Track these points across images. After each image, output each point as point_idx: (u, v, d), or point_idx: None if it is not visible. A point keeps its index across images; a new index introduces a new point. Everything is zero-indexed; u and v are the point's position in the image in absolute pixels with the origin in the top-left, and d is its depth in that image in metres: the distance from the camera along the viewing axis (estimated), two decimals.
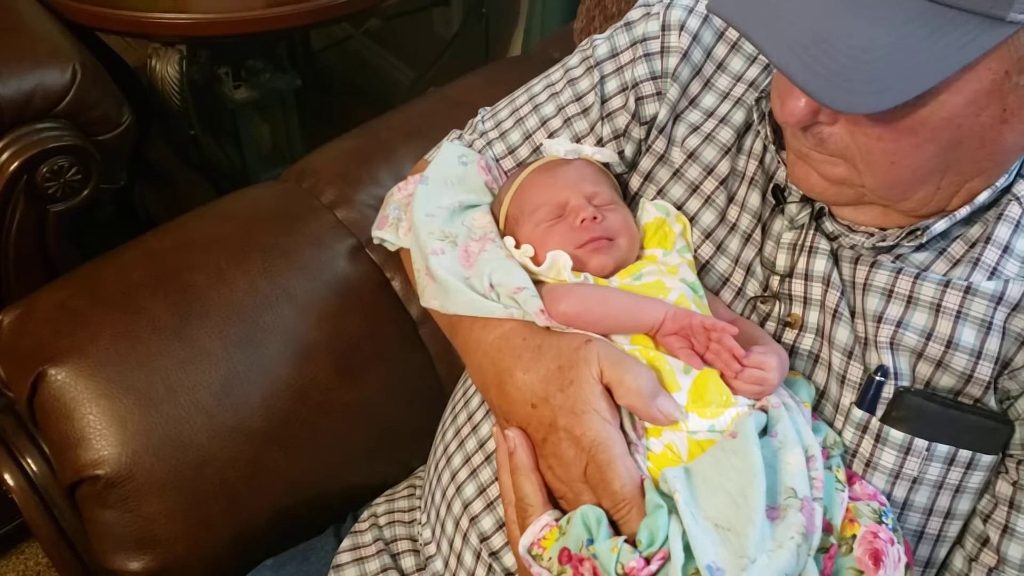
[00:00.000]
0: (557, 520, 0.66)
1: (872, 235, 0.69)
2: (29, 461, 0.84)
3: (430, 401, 0.94)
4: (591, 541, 0.62)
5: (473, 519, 0.79)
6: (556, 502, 0.68)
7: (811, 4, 0.58)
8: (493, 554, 0.77)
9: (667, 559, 0.60)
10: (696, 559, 0.59)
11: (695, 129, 0.80)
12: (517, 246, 0.75)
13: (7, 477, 0.83)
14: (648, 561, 0.60)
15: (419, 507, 0.90)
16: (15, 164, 1.12)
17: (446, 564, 0.82)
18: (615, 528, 0.63)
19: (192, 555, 0.83)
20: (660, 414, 0.65)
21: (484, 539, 0.78)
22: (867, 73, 0.56)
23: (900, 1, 0.56)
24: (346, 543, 0.89)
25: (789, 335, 0.74)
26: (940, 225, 0.67)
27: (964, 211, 0.67)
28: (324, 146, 1.06)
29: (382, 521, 0.90)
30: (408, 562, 0.86)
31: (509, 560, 0.77)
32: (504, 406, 0.70)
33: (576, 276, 0.72)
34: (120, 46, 1.57)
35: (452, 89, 1.12)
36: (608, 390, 0.66)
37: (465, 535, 0.80)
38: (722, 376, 0.67)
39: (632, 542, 0.61)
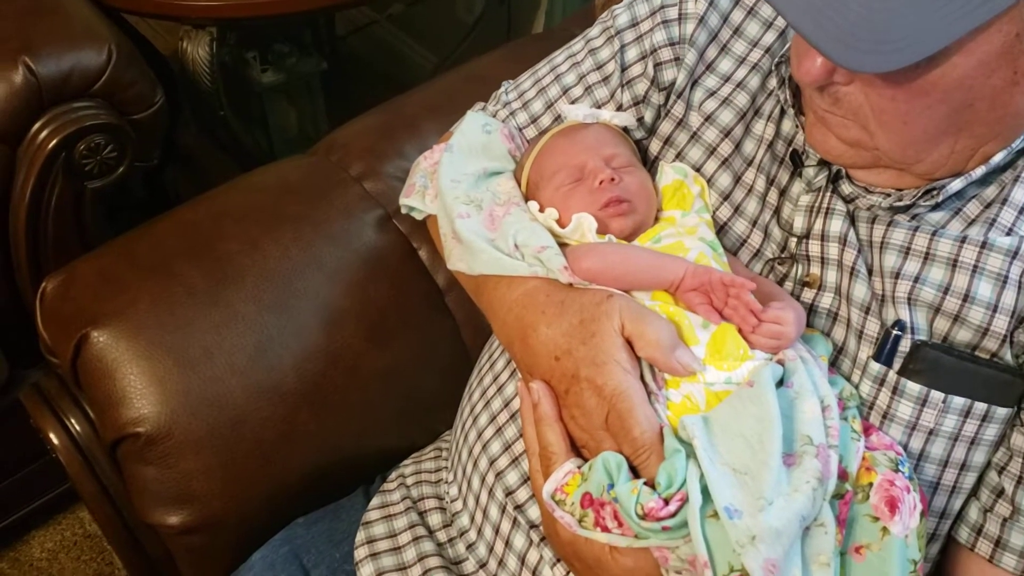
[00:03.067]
0: (579, 467, 0.68)
1: (888, 195, 0.71)
2: (72, 421, 0.88)
3: (456, 367, 0.97)
4: (612, 486, 0.65)
5: (499, 474, 0.82)
6: (578, 451, 0.70)
7: None
8: (518, 507, 0.80)
9: (685, 500, 0.62)
10: (714, 501, 0.61)
11: (712, 94, 0.82)
12: (541, 210, 0.78)
13: (52, 436, 0.87)
14: (667, 502, 0.62)
15: (445, 467, 0.93)
16: (54, 141, 1.15)
17: (472, 519, 0.85)
18: (635, 474, 0.66)
19: (228, 511, 0.86)
20: (679, 366, 0.67)
21: (509, 493, 0.81)
22: (880, 33, 0.58)
23: None
24: (375, 502, 0.91)
25: (808, 294, 0.76)
26: (956, 184, 0.68)
27: (979, 171, 0.68)
28: (350, 121, 1.09)
29: (409, 481, 0.93)
30: (435, 519, 0.89)
31: (533, 513, 0.79)
32: (528, 360, 0.72)
33: (600, 238, 0.74)
34: (148, 34, 1.60)
35: (473, 66, 1.14)
36: (629, 343, 0.68)
37: (491, 490, 0.82)
38: (739, 331, 0.69)
39: (651, 485, 0.64)
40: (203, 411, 0.84)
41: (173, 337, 0.85)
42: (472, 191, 0.80)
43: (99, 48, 1.18)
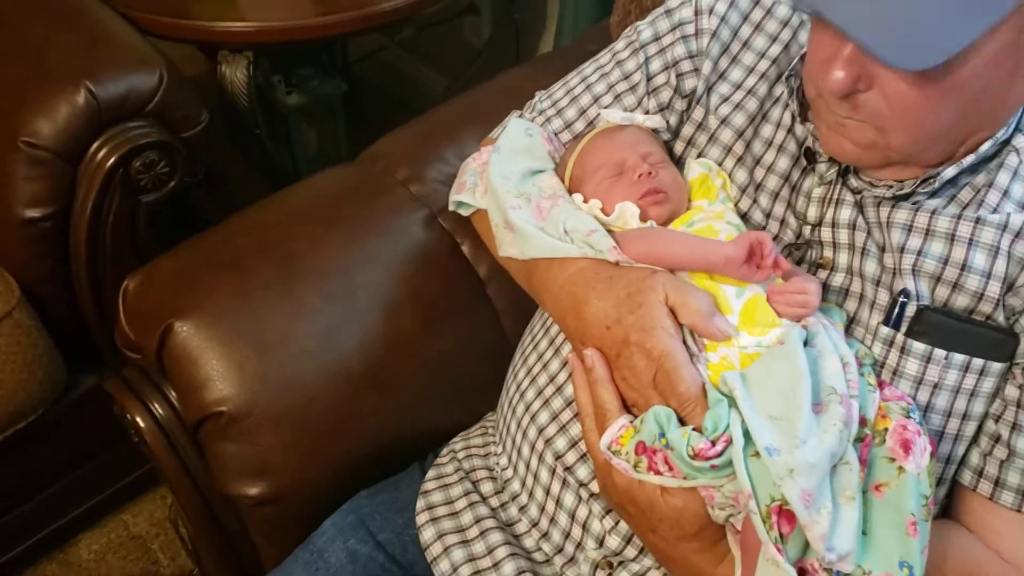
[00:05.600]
0: (631, 422, 0.77)
1: (891, 186, 0.81)
2: (156, 406, 0.96)
3: (497, 352, 1.06)
4: (662, 435, 0.74)
5: (548, 441, 0.91)
6: (628, 409, 0.79)
7: None
8: (567, 468, 0.89)
9: (729, 442, 0.71)
10: (755, 442, 0.71)
11: (726, 99, 0.92)
12: (585, 201, 0.87)
13: (138, 419, 0.95)
14: (713, 444, 0.71)
15: (492, 442, 1.02)
16: (113, 158, 1.24)
17: (523, 483, 0.94)
18: (682, 424, 0.75)
19: (300, 483, 0.95)
20: (717, 331, 0.77)
21: (559, 457, 0.90)
22: (915, 35, 0.66)
23: None
24: (431, 474, 1.00)
25: (822, 274, 0.85)
26: (949, 171, 0.78)
27: (970, 159, 0.78)
28: (389, 134, 1.18)
29: (460, 455, 1.02)
30: (486, 487, 0.97)
31: (582, 473, 0.88)
32: (581, 330, 0.81)
33: (641, 223, 0.84)
34: (180, 60, 1.70)
35: (501, 80, 1.24)
36: (672, 312, 0.78)
37: (541, 455, 0.91)
38: (768, 300, 0.79)
39: (698, 431, 0.73)
40: (278, 391, 0.93)
41: (249, 325, 0.94)
42: (520, 186, 0.90)
43: (152, 72, 1.28)
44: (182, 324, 0.93)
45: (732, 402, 0.73)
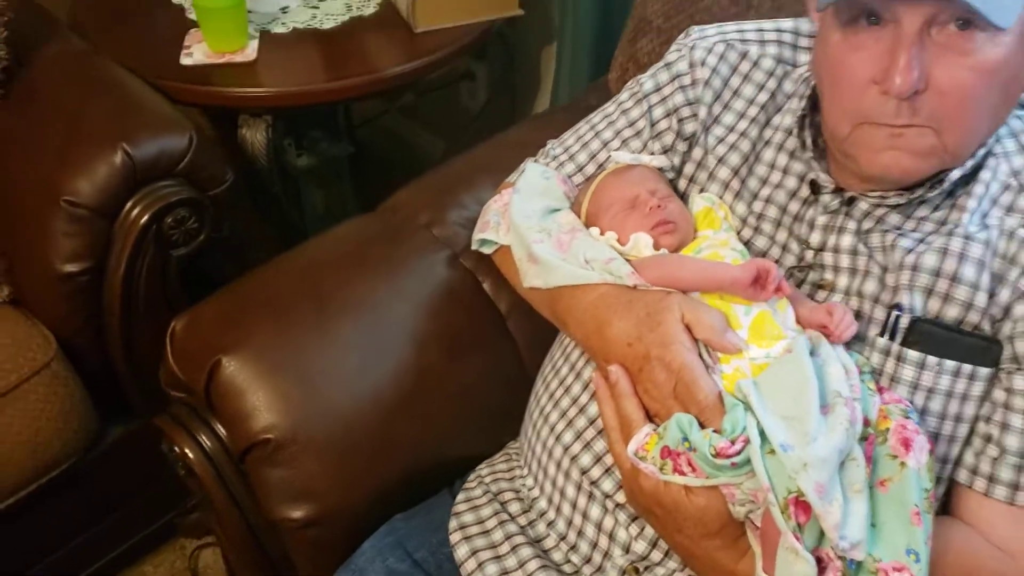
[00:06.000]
0: (655, 430, 0.85)
1: (901, 195, 0.87)
2: (203, 438, 1.03)
3: (518, 383, 1.13)
4: (685, 439, 0.81)
5: (573, 458, 0.97)
6: (651, 420, 0.86)
7: None
8: (593, 483, 0.95)
9: (747, 442, 0.78)
10: (770, 440, 0.78)
11: (721, 140, 1.01)
12: (601, 233, 0.96)
13: (188, 452, 1.01)
14: (732, 443, 0.78)
15: (517, 466, 1.08)
16: (147, 215, 1.32)
17: (550, 500, 1.00)
18: (702, 428, 0.82)
19: (341, 506, 1.01)
20: (729, 344, 0.84)
21: (584, 472, 0.96)
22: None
23: None
24: (460, 497, 1.07)
25: (821, 294, 0.93)
26: (955, 174, 0.85)
27: (970, 163, 0.86)
28: (407, 185, 1.27)
29: (487, 480, 1.08)
30: (514, 507, 1.04)
31: (607, 486, 0.95)
32: (604, 349, 0.89)
33: (655, 251, 0.92)
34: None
35: (511, 134, 1.34)
36: (687, 329, 0.85)
37: (567, 472, 0.98)
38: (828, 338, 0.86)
39: (718, 433, 0.80)
40: (319, 420, 1.00)
41: (291, 360, 1.01)
42: (541, 223, 0.98)
43: (182, 135, 1.36)
44: (229, 360, 1.00)
45: (747, 406, 0.80)
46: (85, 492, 1.48)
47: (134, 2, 1.73)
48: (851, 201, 0.91)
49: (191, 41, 1.58)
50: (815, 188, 0.94)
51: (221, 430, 1.03)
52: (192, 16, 1.63)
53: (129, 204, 1.33)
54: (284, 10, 1.65)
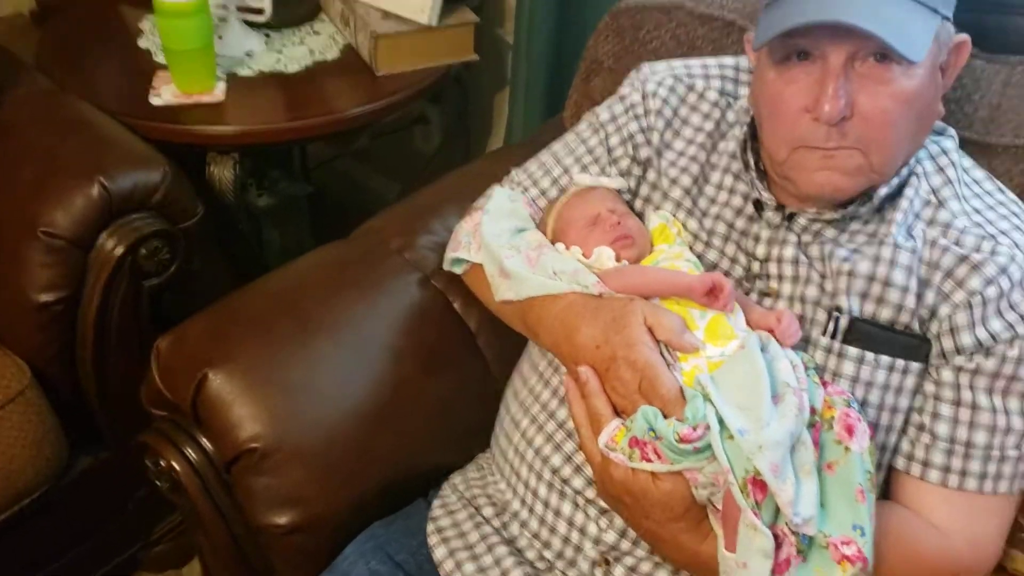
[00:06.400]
0: (623, 423, 0.92)
1: (835, 210, 0.97)
2: (189, 451, 1.07)
3: (488, 397, 1.20)
4: (651, 429, 0.88)
5: (545, 459, 1.04)
6: (619, 415, 0.94)
7: (842, 5, 0.85)
8: (564, 481, 1.02)
9: (707, 429, 0.86)
10: (728, 426, 0.85)
11: (672, 164, 1.10)
12: (567, 248, 1.04)
13: (174, 464, 1.05)
14: (694, 429, 0.86)
15: (489, 472, 1.14)
16: (122, 246, 1.36)
17: (523, 501, 1.06)
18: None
19: (324, 514, 1.06)
20: (688, 344, 0.92)
21: (555, 472, 1.03)
22: (907, 33, 0.85)
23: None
24: (436, 503, 1.12)
25: (767, 302, 1.02)
26: (883, 190, 0.95)
27: (895, 180, 0.96)
28: (379, 213, 1.34)
29: (460, 487, 1.14)
30: (488, 511, 1.10)
31: (577, 483, 1.01)
32: (574, 353, 0.96)
33: (617, 263, 1.01)
34: None
35: (474, 166, 1.43)
36: (650, 331, 0.93)
37: (539, 473, 1.04)
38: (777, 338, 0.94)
39: (681, 421, 0.88)
40: (304, 430, 1.05)
41: (275, 373, 1.06)
42: (510, 241, 1.06)
43: (156, 168, 1.41)
44: (216, 374, 1.05)
45: (706, 398, 0.88)
46: (53, 522, 1.49)
47: (99, 46, 1.78)
48: (791, 217, 1.01)
49: (159, 83, 1.63)
50: (758, 206, 1.03)
51: (206, 443, 1.08)
52: (159, 59, 1.69)
53: (104, 235, 1.37)
54: (249, 54, 1.72)
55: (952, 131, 1.04)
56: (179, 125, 1.58)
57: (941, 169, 1.00)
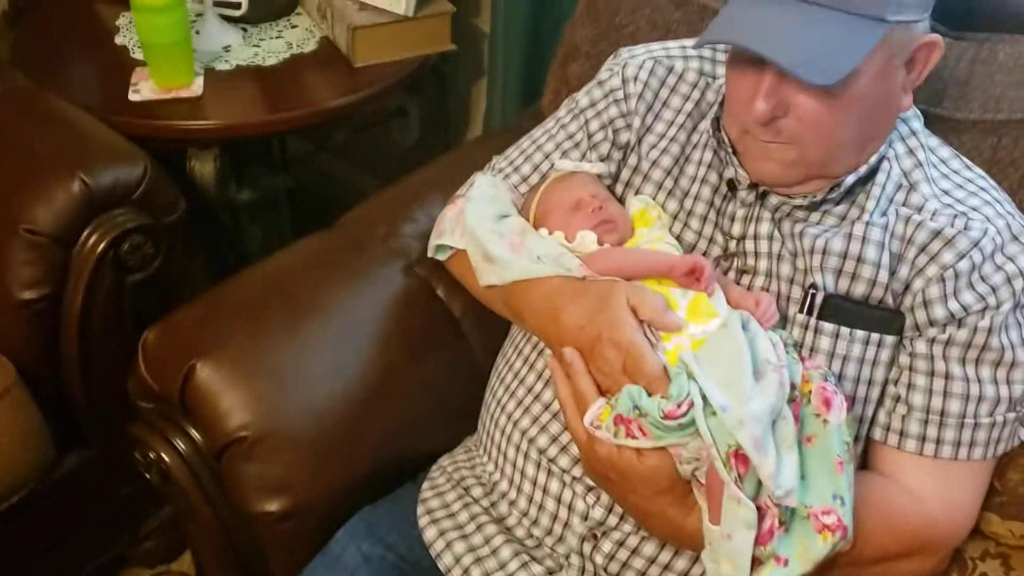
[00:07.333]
0: (607, 402, 0.94)
1: (805, 196, 0.99)
2: (178, 442, 1.08)
3: (473, 381, 1.21)
4: (635, 407, 0.90)
5: (531, 440, 1.06)
6: (603, 395, 0.95)
7: (771, 22, 0.88)
8: (551, 460, 1.04)
9: (692, 405, 0.88)
10: (711, 401, 0.87)
11: (653, 147, 1.12)
12: (550, 233, 1.06)
13: (164, 455, 1.06)
14: (679, 406, 0.88)
15: (476, 455, 1.16)
16: (104, 242, 1.36)
17: (511, 481, 1.08)
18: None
19: (314, 499, 1.07)
20: (670, 323, 0.94)
21: (542, 451, 1.05)
22: (819, 59, 0.87)
23: (822, 13, 0.87)
24: (425, 485, 1.14)
25: (746, 279, 1.04)
26: (850, 179, 0.98)
27: (863, 169, 0.98)
28: (363, 202, 1.35)
29: (449, 469, 1.16)
30: (476, 491, 1.11)
31: (564, 462, 1.03)
32: (558, 335, 0.98)
33: (599, 246, 1.03)
34: None
35: (455, 154, 1.44)
36: (633, 311, 0.95)
37: (526, 453, 1.06)
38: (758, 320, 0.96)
39: (665, 399, 0.90)
40: (294, 415, 1.06)
41: (265, 360, 1.08)
42: (493, 227, 1.08)
43: (137, 164, 1.41)
44: (204, 363, 1.06)
45: (689, 375, 0.90)
46: (40, 520, 1.49)
47: (76, 44, 1.78)
48: (764, 195, 1.03)
49: (138, 78, 1.63)
50: (731, 186, 1.05)
51: (195, 434, 1.09)
52: (137, 55, 1.69)
53: (87, 231, 1.37)
54: (227, 49, 1.73)
55: (916, 111, 1.06)
56: (158, 120, 1.58)
57: (911, 151, 1.02)
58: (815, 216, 1.01)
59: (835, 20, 0.87)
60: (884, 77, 0.92)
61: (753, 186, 1.03)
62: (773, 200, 1.02)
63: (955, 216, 0.97)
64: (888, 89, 0.94)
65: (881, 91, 0.93)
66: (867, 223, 0.98)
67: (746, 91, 0.93)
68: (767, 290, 1.03)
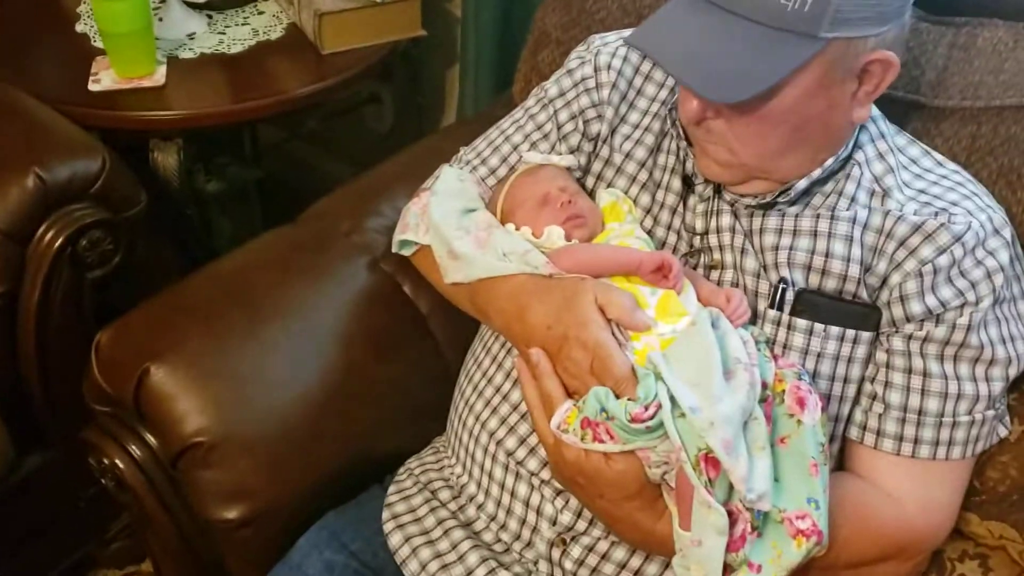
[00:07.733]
0: (575, 404, 0.91)
1: (755, 197, 0.97)
2: (133, 448, 1.04)
3: (441, 380, 1.18)
4: (602, 410, 0.87)
5: (499, 442, 1.03)
6: (571, 397, 0.92)
7: (692, 32, 0.87)
8: (519, 463, 1.01)
9: (659, 407, 0.85)
10: (680, 403, 0.84)
11: (627, 138, 1.09)
12: (517, 228, 1.02)
13: (118, 461, 1.03)
14: (646, 409, 0.85)
15: (444, 457, 1.13)
16: (61, 238, 1.32)
17: (479, 484, 1.05)
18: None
19: (275, 505, 1.04)
20: (639, 322, 0.91)
21: (510, 454, 1.02)
22: (730, 76, 0.85)
23: (747, 27, 0.84)
24: (392, 489, 1.11)
25: (714, 274, 1.01)
26: (802, 183, 0.95)
27: (817, 173, 0.95)
28: (329, 194, 1.31)
29: (416, 472, 1.12)
30: (444, 495, 1.08)
31: (532, 464, 1.00)
32: (525, 334, 0.95)
33: (567, 242, 0.99)
34: None
35: (426, 143, 1.40)
36: (601, 310, 0.92)
37: (494, 455, 1.03)
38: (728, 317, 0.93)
39: (633, 401, 0.86)
40: (252, 419, 1.03)
41: (222, 363, 1.04)
42: (459, 222, 1.04)
43: (95, 157, 1.37)
44: (158, 367, 1.02)
45: (657, 376, 0.87)
46: (2, 523, 1.46)
47: (34, 32, 1.73)
48: (719, 189, 1.00)
49: (98, 68, 1.58)
50: (687, 180, 1.02)
51: (150, 439, 1.05)
52: (97, 43, 1.64)
53: (43, 228, 1.33)
54: (191, 36, 1.68)
55: (881, 113, 1.02)
56: (119, 111, 1.54)
57: (881, 155, 0.99)
58: (773, 215, 0.98)
59: (760, 35, 0.84)
60: (821, 92, 0.88)
61: (707, 181, 1.00)
62: (728, 196, 0.99)
63: (936, 212, 0.94)
64: (828, 103, 0.90)
65: (817, 105, 0.90)
66: (832, 218, 0.95)
67: (683, 89, 0.92)
68: (736, 285, 1.00)
